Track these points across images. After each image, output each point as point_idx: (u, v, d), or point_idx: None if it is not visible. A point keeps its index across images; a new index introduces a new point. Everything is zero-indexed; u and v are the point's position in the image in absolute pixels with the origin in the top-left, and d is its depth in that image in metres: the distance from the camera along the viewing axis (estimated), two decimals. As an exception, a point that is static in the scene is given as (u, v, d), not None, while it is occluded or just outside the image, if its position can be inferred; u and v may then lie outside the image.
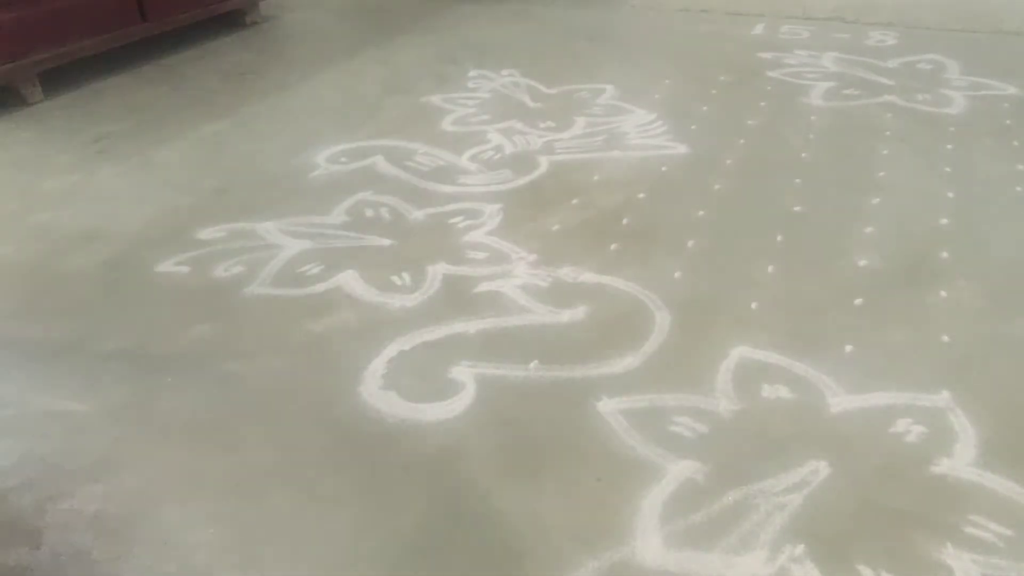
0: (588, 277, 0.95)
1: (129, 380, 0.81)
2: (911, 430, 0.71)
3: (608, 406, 0.75)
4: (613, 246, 1.01)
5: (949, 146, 1.27)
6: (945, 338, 0.83)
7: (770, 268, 0.95)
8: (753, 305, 0.89)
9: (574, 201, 1.13)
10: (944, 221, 1.05)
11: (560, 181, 1.19)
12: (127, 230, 1.08)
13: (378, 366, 0.81)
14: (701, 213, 1.09)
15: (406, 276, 0.96)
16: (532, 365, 0.80)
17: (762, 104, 1.46)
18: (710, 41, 1.85)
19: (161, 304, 0.92)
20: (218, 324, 0.89)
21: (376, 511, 0.65)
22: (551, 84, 1.58)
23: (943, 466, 0.67)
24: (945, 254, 0.97)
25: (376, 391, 0.78)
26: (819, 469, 0.67)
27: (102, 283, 0.97)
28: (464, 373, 0.79)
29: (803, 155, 1.25)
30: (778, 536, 0.61)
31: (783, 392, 0.76)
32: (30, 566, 0.60)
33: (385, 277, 0.96)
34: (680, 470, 0.67)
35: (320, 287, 0.94)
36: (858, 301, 0.89)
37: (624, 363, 0.80)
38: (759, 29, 1.94)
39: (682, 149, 1.28)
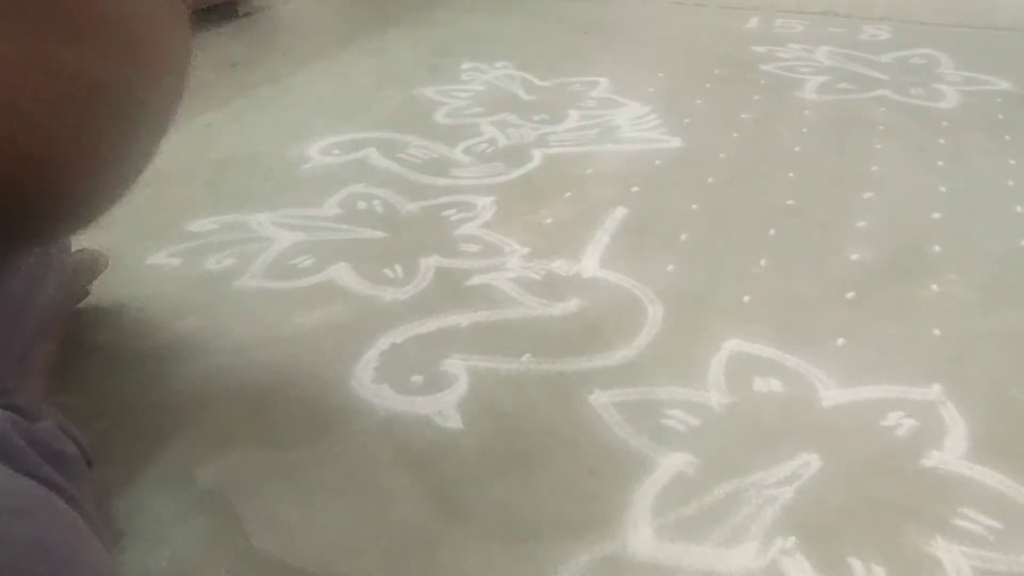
0: (581, 270, 0.95)
1: (118, 373, 0.80)
2: (902, 423, 0.71)
3: (600, 399, 0.75)
4: (606, 239, 1.01)
5: (942, 140, 1.27)
6: (936, 332, 0.83)
7: (763, 262, 0.96)
8: (746, 298, 0.89)
9: (567, 194, 1.13)
10: (936, 215, 1.05)
11: (553, 174, 1.19)
12: (118, 222, 1.07)
13: (370, 359, 0.81)
14: (694, 207, 1.09)
15: (398, 269, 0.96)
16: (525, 358, 0.80)
17: (756, 98, 1.46)
18: (704, 34, 1.85)
19: (152, 296, 0.92)
20: (209, 316, 0.88)
21: (367, 503, 0.65)
22: (545, 77, 1.57)
23: (933, 459, 0.68)
24: (937, 248, 0.98)
25: (368, 384, 0.77)
26: (810, 462, 0.67)
27: (92, 275, 0.96)
28: (456, 366, 0.79)
29: (796, 149, 1.25)
30: (769, 529, 0.61)
31: (775, 385, 0.76)
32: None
33: (377, 270, 0.95)
34: (672, 463, 0.68)
35: (312, 280, 0.94)
36: (850, 295, 0.89)
37: (616, 356, 0.80)
38: (753, 23, 1.93)
39: (676, 143, 1.28)
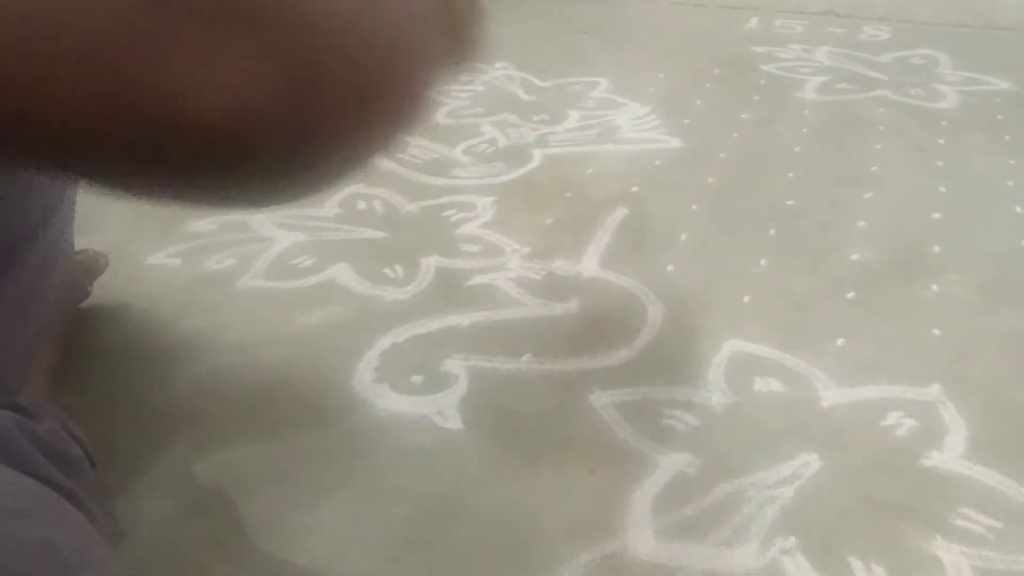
0: (581, 270, 0.95)
1: (119, 373, 0.80)
2: (902, 423, 0.72)
3: (601, 399, 0.75)
4: (606, 239, 1.01)
5: (941, 141, 1.27)
6: (936, 332, 0.83)
7: (763, 262, 0.96)
8: (745, 298, 0.89)
9: (567, 194, 1.13)
10: (936, 215, 1.05)
11: (554, 174, 1.19)
12: (118, 222, 1.07)
13: (371, 359, 0.81)
14: (694, 207, 1.09)
15: (399, 269, 0.96)
16: (525, 358, 0.80)
17: (756, 98, 1.46)
18: (704, 34, 1.85)
19: (153, 297, 0.92)
20: (210, 316, 0.88)
21: (368, 503, 0.65)
22: (545, 77, 1.57)
23: (933, 459, 0.68)
24: (937, 248, 0.98)
25: (369, 383, 0.78)
26: (810, 462, 0.68)
27: (93, 275, 0.96)
28: (457, 366, 0.79)
29: (796, 149, 1.25)
30: (769, 529, 0.61)
31: (775, 385, 0.76)
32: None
33: (378, 270, 0.95)
34: (672, 463, 0.68)
35: (313, 279, 0.94)
36: (850, 295, 0.89)
37: (617, 356, 0.80)
38: (753, 23, 1.93)
39: (676, 143, 1.28)
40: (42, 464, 0.45)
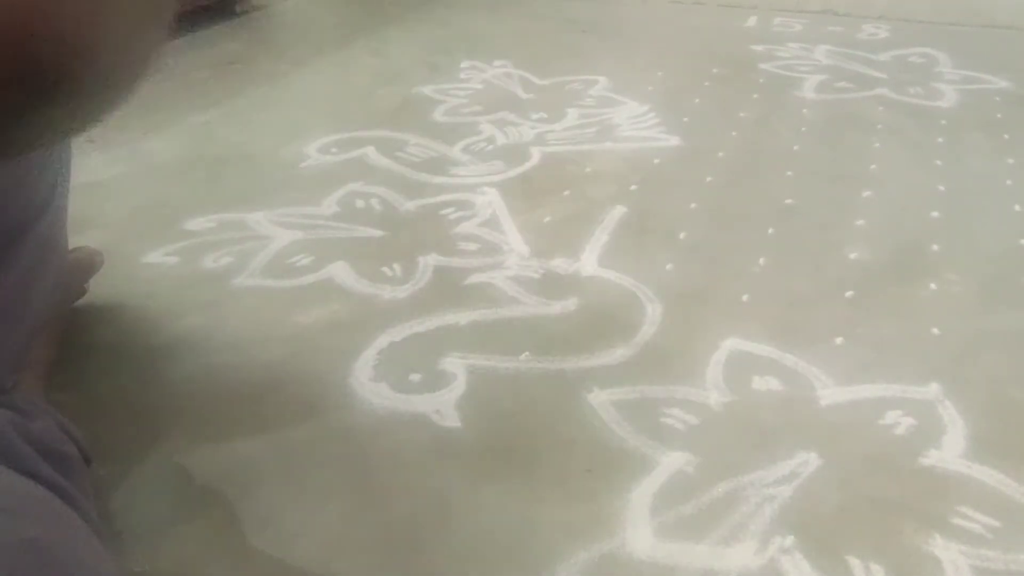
0: (580, 269, 0.95)
1: (115, 371, 0.80)
2: (900, 422, 0.71)
3: (599, 397, 0.75)
4: (605, 238, 1.01)
5: (940, 139, 1.27)
6: (935, 331, 0.83)
7: (761, 260, 0.96)
8: (744, 297, 0.89)
9: (566, 193, 1.12)
10: (935, 214, 1.05)
11: (552, 172, 1.19)
12: (115, 220, 1.07)
13: (369, 357, 0.81)
14: (693, 205, 1.09)
15: (397, 267, 0.95)
16: (523, 356, 0.80)
17: (755, 97, 1.46)
18: (703, 33, 1.84)
19: (149, 295, 0.92)
20: (207, 315, 0.88)
21: (366, 503, 0.65)
22: (543, 75, 1.57)
23: (932, 458, 0.68)
24: (936, 247, 0.98)
25: (366, 382, 0.77)
26: (809, 461, 0.67)
27: (90, 273, 0.96)
28: (455, 364, 0.79)
29: (795, 148, 1.25)
30: (768, 527, 0.61)
31: (773, 384, 0.76)
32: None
33: (376, 268, 0.95)
34: (670, 461, 0.68)
35: (310, 278, 0.94)
36: (849, 294, 0.89)
37: (615, 355, 0.80)
38: (752, 22, 1.93)
39: (674, 141, 1.28)
40: (36, 462, 0.44)
